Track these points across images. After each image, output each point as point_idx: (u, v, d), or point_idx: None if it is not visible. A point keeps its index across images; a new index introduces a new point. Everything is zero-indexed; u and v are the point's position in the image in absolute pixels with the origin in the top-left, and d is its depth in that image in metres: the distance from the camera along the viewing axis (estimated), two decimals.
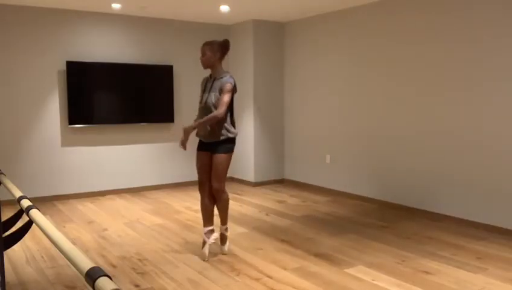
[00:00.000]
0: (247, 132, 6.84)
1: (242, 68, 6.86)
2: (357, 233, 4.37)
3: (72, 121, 5.85)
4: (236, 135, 3.71)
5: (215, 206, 3.80)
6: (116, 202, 5.85)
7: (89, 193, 6.13)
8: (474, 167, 4.53)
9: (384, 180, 5.49)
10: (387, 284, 3.15)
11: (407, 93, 5.15)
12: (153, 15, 6.30)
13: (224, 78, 3.55)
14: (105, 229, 4.58)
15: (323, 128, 6.27)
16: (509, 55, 4.19)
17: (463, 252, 3.82)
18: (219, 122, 3.58)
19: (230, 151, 3.66)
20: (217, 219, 3.93)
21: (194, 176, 6.92)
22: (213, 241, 3.74)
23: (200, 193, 3.77)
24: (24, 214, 2.16)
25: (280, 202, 5.76)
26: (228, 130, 3.63)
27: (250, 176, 6.83)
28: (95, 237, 4.33)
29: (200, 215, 5.10)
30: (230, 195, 6.17)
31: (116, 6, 5.63)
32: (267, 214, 5.13)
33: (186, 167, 6.86)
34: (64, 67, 5.85)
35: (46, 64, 5.76)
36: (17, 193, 2.36)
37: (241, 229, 4.53)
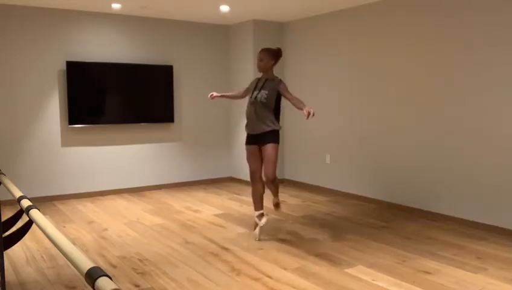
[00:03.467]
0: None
1: (242, 68, 6.85)
2: (357, 233, 4.37)
3: (72, 121, 5.86)
4: (280, 128, 4.20)
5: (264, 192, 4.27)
6: (116, 202, 5.85)
7: (89, 193, 6.13)
8: (474, 167, 4.53)
9: (384, 180, 5.49)
10: (387, 284, 3.15)
11: (407, 94, 5.15)
12: (153, 15, 6.30)
13: (277, 80, 4.16)
14: (105, 229, 4.58)
15: (323, 128, 6.27)
16: (509, 56, 4.19)
17: (463, 252, 3.82)
18: (267, 115, 4.10)
19: (277, 141, 4.14)
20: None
21: (194, 176, 6.94)
22: (264, 223, 4.17)
23: (252, 181, 4.26)
24: (24, 214, 2.16)
25: (280, 201, 5.75)
26: (274, 123, 4.13)
27: None
28: (95, 237, 4.33)
29: (199, 215, 5.11)
30: (231, 195, 6.18)
31: (116, 6, 5.63)
32: (267, 214, 5.12)
33: (186, 167, 6.86)
34: (64, 67, 5.85)
35: (46, 64, 5.76)
36: (17, 193, 2.36)
37: (241, 229, 4.53)
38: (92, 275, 1.18)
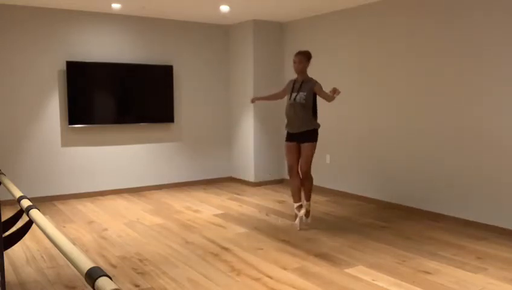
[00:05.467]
0: (247, 132, 6.84)
1: (242, 68, 6.86)
2: (357, 233, 4.37)
3: (72, 121, 5.86)
4: (319, 126, 4.53)
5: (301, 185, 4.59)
6: (116, 202, 5.85)
7: (89, 193, 6.13)
8: (475, 167, 4.53)
9: (384, 180, 5.49)
10: (387, 284, 3.15)
11: (406, 94, 5.15)
12: (153, 15, 6.30)
13: (313, 81, 4.46)
14: (105, 229, 4.58)
15: (323, 128, 6.24)
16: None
17: (463, 252, 3.82)
18: (307, 115, 4.43)
19: (316, 140, 4.49)
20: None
21: (194, 176, 6.94)
22: (303, 214, 4.52)
23: (290, 175, 4.62)
24: (24, 214, 2.16)
25: (280, 202, 5.76)
26: (312, 122, 4.47)
27: (250, 176, 6.83)
28: (95, 237, 4.33)
29: (199, 215, 5.12)
30: (231, 195, 6.18)
31: (116, 6, 5.63)
32: (267, 214, 5.13)
33: (186, 167, 6.86)
34: (64, 67, 5.85)
35: (46, 64, 5.76)
36: (17, 193, 2.36)
37: (241, 229, 4.53)
38: (92, 275, 1.18)
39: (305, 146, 4.46)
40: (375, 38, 5.48)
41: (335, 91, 4.08)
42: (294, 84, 4.56)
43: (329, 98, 4.24)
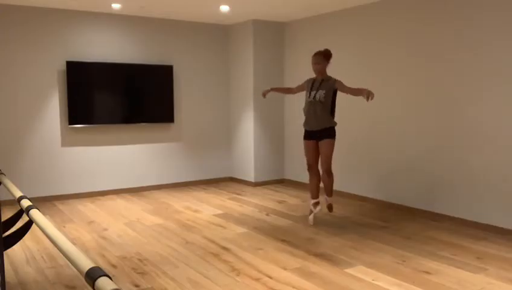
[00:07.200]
0: (247, 132, 6.84)
1: (242, 68, 6.86)
2: (357, 233, 4.37)
3: (72, 121, 5.86)
4: (336, 124, 4.54)
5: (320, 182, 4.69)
6: (116, 202, 5.85)
7: (89, 193, 6.13)
8: (474, 167, 4.53)
9: (384, 180, 5.49)
10: (387, 284, 3.15)
11: (407, 94, 5.15)
12: (153, 15, 6.30)
13: (333, 80, 4.49)
14: (105, 229, 4.58)
15: None
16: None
17: (463, 252, 3.82)
18: (325, 113, 4.46)
19: (334, 136, 4.53)
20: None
21: (194, 176, 6.94)
22: (318, 211, 4.66)
23: (309, 173, 4.68)
24: (24, 214, 2.16)
25: (280, 202, 5.77)
26: (330, 120, 4.51)
27: (250, 176, 6.83)
28: (95, 237, 4.34)
29: (199, 215, 5.12)
30: (231, 195, 6.18)
31: (116, 6, 5.64)
32: (267, 214, 5.13)
33: (186, 167, 6.86)
34: (64, 67, 5.85)
35: (46, 64, 5.76)
36: (17, 193, 2.36)
37: (241, 229, 4.53)
38: (92, 275, 1.18)
39: (324, 143, 4.50)
40: (376, 38, 5.48)
41: (368, 97, 4.03)
42: (313, 82, 4.59)
43: (356, 92, 4.24)
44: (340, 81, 4.47)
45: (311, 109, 4.53)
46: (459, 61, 4.60)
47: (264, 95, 4.98)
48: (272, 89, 5.03)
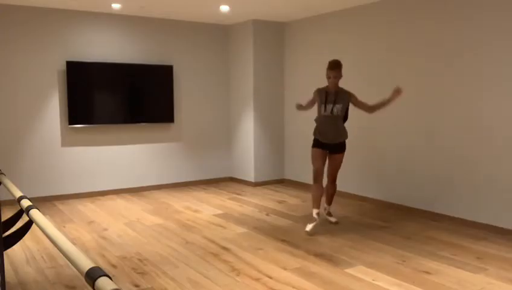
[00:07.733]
0: (247, 132, 6.84)
1: (242, 68, 6.86)
2: (357, 233, 4.37)
3: (72, 121, 5.86)
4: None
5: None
6: (116, 202, 5.85)
7: (89, 193, 6.13)
8: (475, 167, 4.53)
9: (384, 180, 5.49)
10: (387, 284, 3.15)
11: (407, 94, 5.14)
12: (153, 15, 6.30)
13: (347, 92, 4.43)
14: (105, 229, 4.58)
15: None
16: None
17: (463, 252, 3.82)
18: (342, 127, 4.46)
19: (345, 150, 4.56)
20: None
21: (194, 176, 6.94)
22: (318, 220, 4.50)
23: (315, 181, 4.48)
24: (24, 214, 2.16)
25: (280, 202, 5.77)
26: (346, 134, 4.52)
27: (250, 176, 6.83)
28: (95, 237, 4.34)
29: (199, 215, 5.12)
30: (230, 195, 6.18)
31: (116, 6, 5.64)
32: (267, 214, 5.13)
33: (186, 167, 6.86)
34: (64, 67, 5.85)
35: (46, 64, 5.76)
36: (17, 193, 2.36)
37: (241, 229, 4.53)
38: (92, 275, 1.18)
39: (338, 156, 4.52)
40: (376, 38, 5.48)
41: (398, 93, 4.12)
42: (327, 95, 4.43)
43: (379, 106, 4.31)
44: (354, 95, 4.42)
45: (331, 123, 4.40)
46: (459, 61, 4.60)
47: (299, 108, 4.66)
48: (303, 107, 4.69)
